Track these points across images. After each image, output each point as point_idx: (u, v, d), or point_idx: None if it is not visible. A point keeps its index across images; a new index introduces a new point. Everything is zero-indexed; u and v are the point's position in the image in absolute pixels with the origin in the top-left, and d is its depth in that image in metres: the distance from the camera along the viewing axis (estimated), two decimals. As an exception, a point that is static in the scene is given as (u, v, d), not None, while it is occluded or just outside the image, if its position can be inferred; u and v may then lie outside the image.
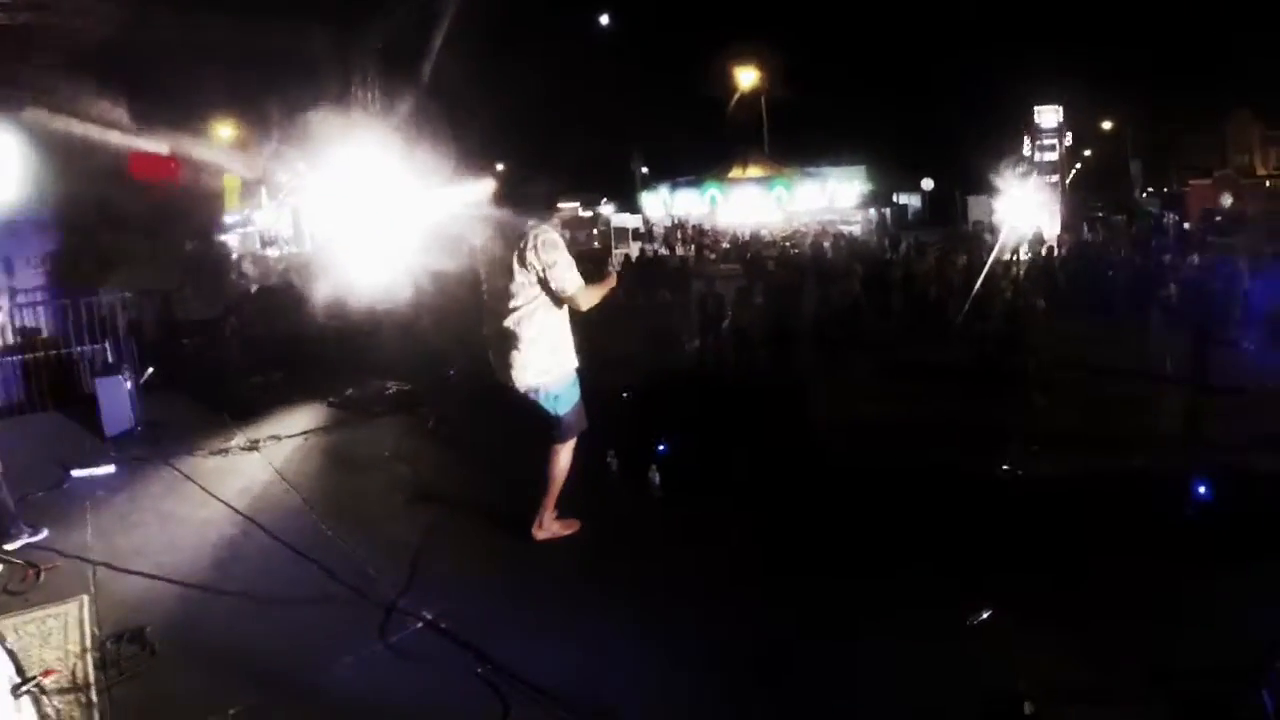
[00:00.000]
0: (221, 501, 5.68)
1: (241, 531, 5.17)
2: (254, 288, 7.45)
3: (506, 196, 4.76)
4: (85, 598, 4.32)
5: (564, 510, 4.78)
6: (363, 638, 3.79)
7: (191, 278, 12.30)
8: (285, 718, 3.31)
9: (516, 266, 4.38)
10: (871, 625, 3.75)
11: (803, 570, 4.31)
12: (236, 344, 10.46)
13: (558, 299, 4.45)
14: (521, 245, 4.35)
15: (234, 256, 15.10)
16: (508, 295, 4.45)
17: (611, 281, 4.66)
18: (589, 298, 4.51)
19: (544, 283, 4.39)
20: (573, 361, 4.64)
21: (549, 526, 4.72)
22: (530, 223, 4.42)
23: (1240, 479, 5.11)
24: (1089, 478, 5.83)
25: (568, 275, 4.40)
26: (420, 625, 3.90)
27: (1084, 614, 3.74)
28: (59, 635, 3.99)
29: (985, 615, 3.73)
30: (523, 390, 4.52)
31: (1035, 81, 36.10)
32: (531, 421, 4.62)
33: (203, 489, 5.97)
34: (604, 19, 25.50)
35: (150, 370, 8.53)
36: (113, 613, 4.17)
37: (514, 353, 4.46)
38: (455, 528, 5.07)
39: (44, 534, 5.16)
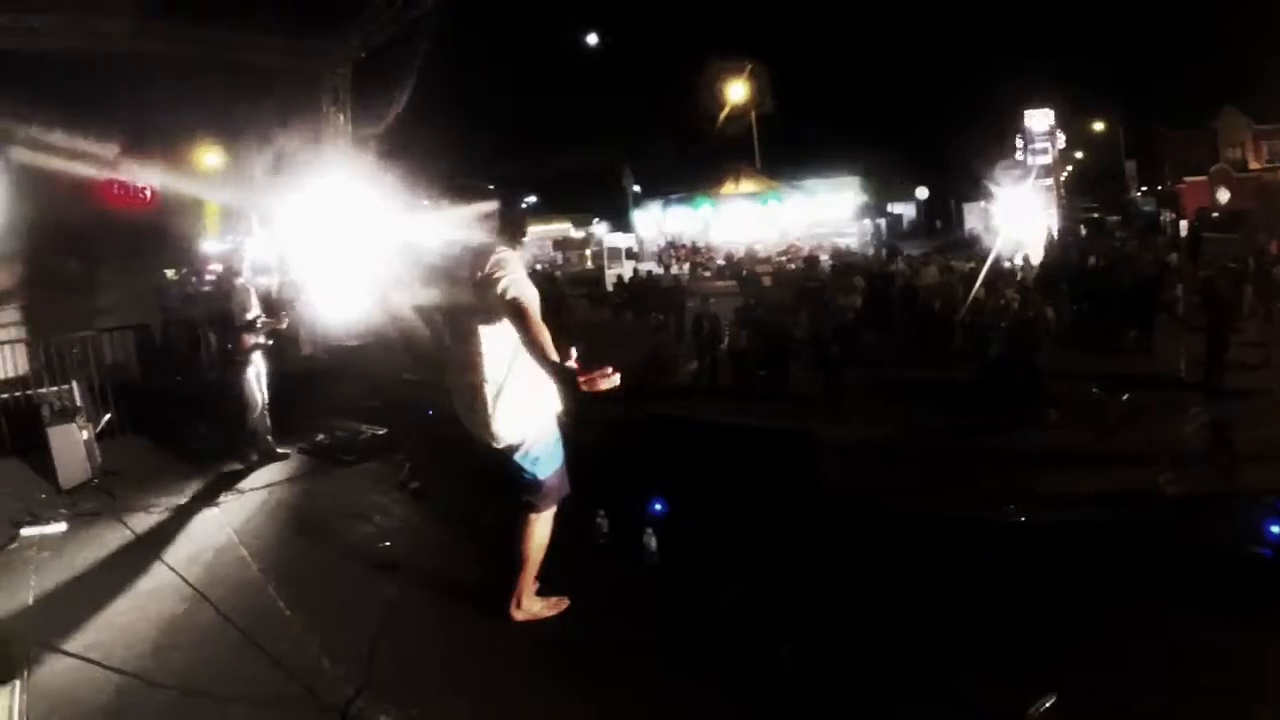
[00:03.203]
0: (171, 569, 5.18)
1: (188, 608, 4.65)
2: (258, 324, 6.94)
3: (479, 222, 3.96)
4: (17, 684, 3.83)
5: (546, 583, 4.23)
6: (308, 751, 3.28)
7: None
8: None
9: (481, 300, 3.71)
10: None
11: (824, 659, 3.71)
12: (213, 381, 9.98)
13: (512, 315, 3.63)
14: (489, 273, 3.68)
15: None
16: (473, 334, 3.80)
17: (569, 363, 3.33)
18: (534, 318, 3.55)
19: (499, 297, 3.61)
20: (554, 412, 3.99)
21: (528, 606, 4.14)
22: (498, 248, 3.77)
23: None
24: (1121, 513, 5.50)
25: (519, 283, 3.64)
26: (376, 732, 3.38)
27: (1136, 695, 3.24)
28: (-15, 727, 3.54)
29: (1048, 704, 3.18)
30: (498, 448, 3.92)
31: (1025, 85, 36.25)
32: (510, 480, 4.03)
33: (152, 553, 5.49)
34: (591, 38, 25.20)
35: (108, 416, 8.05)
36: (43, 702, 3.75)
37: (483, 403, 3.81)
38: (423, 604, 4.54)
39: None
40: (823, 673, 3.64)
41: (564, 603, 4.24)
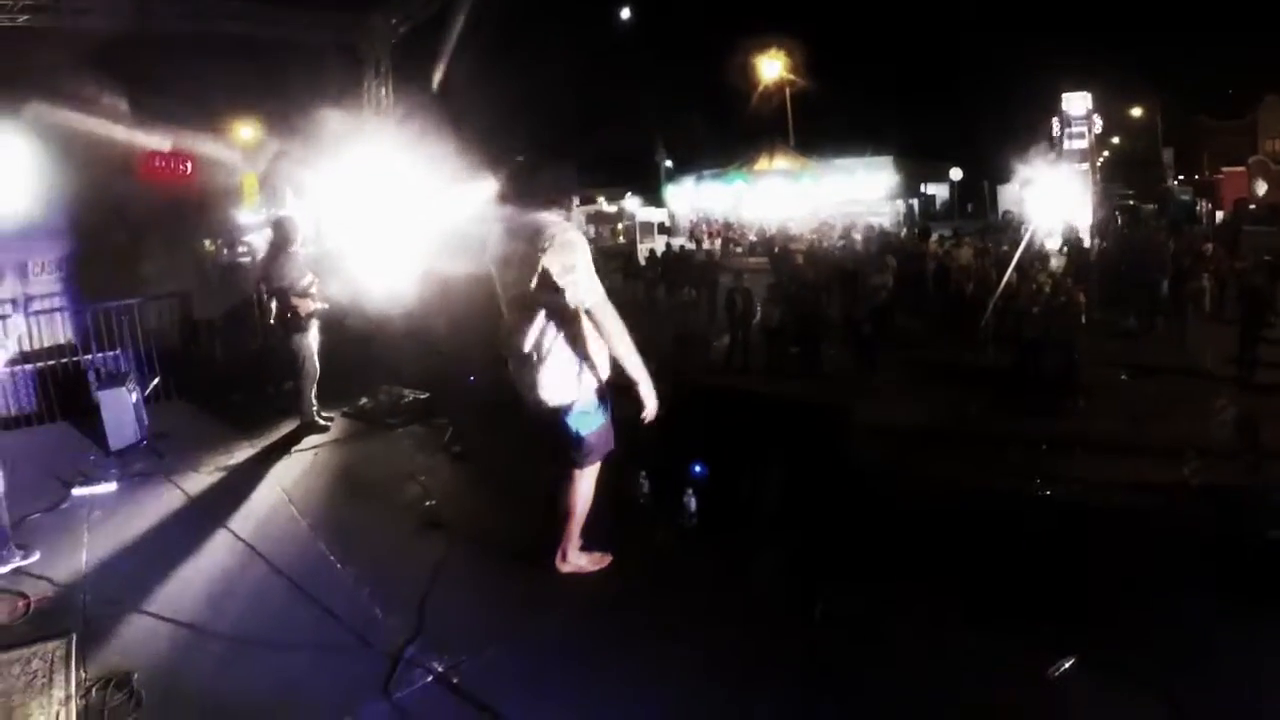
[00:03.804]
0: (222, 525, 5.31)
1: (241, 561, 4.79)
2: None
3: (514, 189, 4.20)
4: (73, 636, 3.98)
5: (590, 540, 4.34)
6: (365, 692, 3.39)
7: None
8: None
9: (534, 270, 3.79)
10: (933, 690, 3.33)
11: (853, 616, 3.85)
12: (255, 349, 10.13)
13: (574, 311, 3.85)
14: (538, 246, 3.77)
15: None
16: (526, 303, 3.90)
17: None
18: (610, 317, 3.84)
19: (559, 291, 3.75)
20: (604, 375, 4.07)
21: (574, 559, 4.26)
22: (548, 219, 3.89)
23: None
24: (1148, 499, 5.57)
25: (586, 284, 3.76)
26: (430, 679, 3.49)
27: (1155, 666, 3.32)
28: (44, 678, 3.69)
29: (1067, 665, 3.32)
30: (545, 407, 4.02)
31: (1063, 69, 35.54)
32: (555, 440, 4.14)
33: (204, 511, 5.64)
34: (625, 12, 25.10)
35: (156, 380, 8.21)
36: (100, 653, 3.85)
37: (534, 368, 3.93)
38: (471, 559, 4.65)
39: (35, 556, 4.89)
40: (851, 630, 3.75)
41: (607, 558, 4.35)
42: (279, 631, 3.95)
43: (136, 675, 3.59)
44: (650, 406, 4.00)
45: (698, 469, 5.17)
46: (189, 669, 3.72)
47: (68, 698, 3.51)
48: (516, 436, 4.62)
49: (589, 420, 4.06)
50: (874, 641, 3.68)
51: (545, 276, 3.75)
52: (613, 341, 3.87)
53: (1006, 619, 3.72)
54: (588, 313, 3.82)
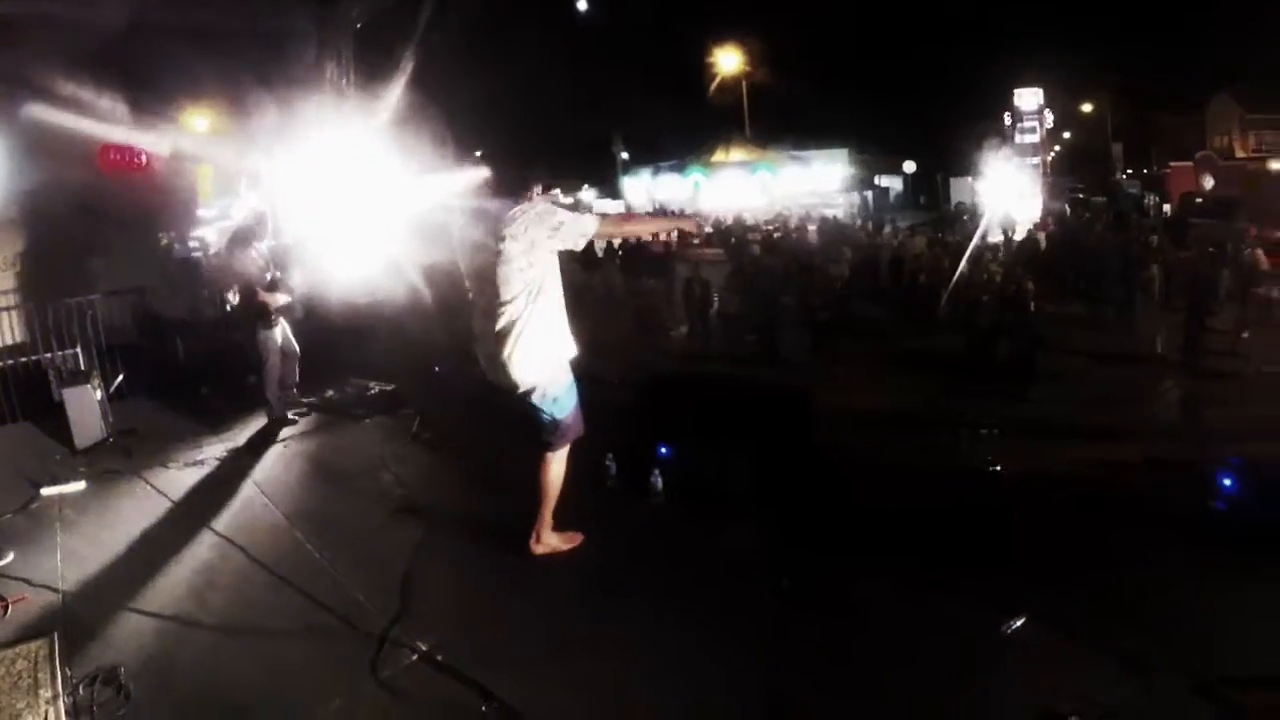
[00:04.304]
0: (196, 520, 5.35)
1: (219, 554, 4.85)
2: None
3: (501, 183, 4.38)
4: (55, 634, 4.01)
5: (562, 521, 4.50)
6: (353, 674, 3.51)
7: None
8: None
9: (508, 256, 4.02)
10: (889, 649, 3.59)
11: (817, 588, 4.08)
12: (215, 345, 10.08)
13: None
14: (513, 230, 4.01)
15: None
16: (500, 288, 4.08)
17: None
18: (604, 221, 4.44)
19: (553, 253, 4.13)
20: (572, 356, 4.31)
21: (547, 540, 4.44)
22: (520, 207, 4.09)
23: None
24: (1097, 474, 5.76)
25: (581, 221, 4.17)
26: (415, 658, 3.62)
27: (1110, 623, 3.61)
28: (29, 678, 3.70)
29: (1019, 623, 3.59)
30: (518, 391, 4.20)
31: (1016, 64, 36.26)
32: (524, 424, 4.32)
33: (177, 506, 5.68)
34: (583, 3, 25.01)
35: (120, 378, 8.17)
36: (84, 650, 3.88)
37: (509, 350, 4.11)
38: (446, 543, 4.78)
39: (9, 558, 4.89)
40: (813, 596, 4.00)
41: (579, 538, 4.55)
42: (263, 619, 4.05)
43: (123, 669, 3.63)
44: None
45: (664, 450, 5.36)
46: (176, 661, 3.78)
47: (55, 695, 3.53)
48: (484, 423, 4.77)
49: (562, 404, 4.26)
50: (842, 612, 3.88)
51: (539, 248, 4.05)
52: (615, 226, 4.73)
53: (963, 585, 3.97)
54: (594, 235, 4.24)
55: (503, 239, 4.00)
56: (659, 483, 5.08)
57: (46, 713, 3.44)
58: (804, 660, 3.54)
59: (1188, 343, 9.93)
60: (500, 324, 4.10)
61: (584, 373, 4.46)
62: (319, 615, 4.03)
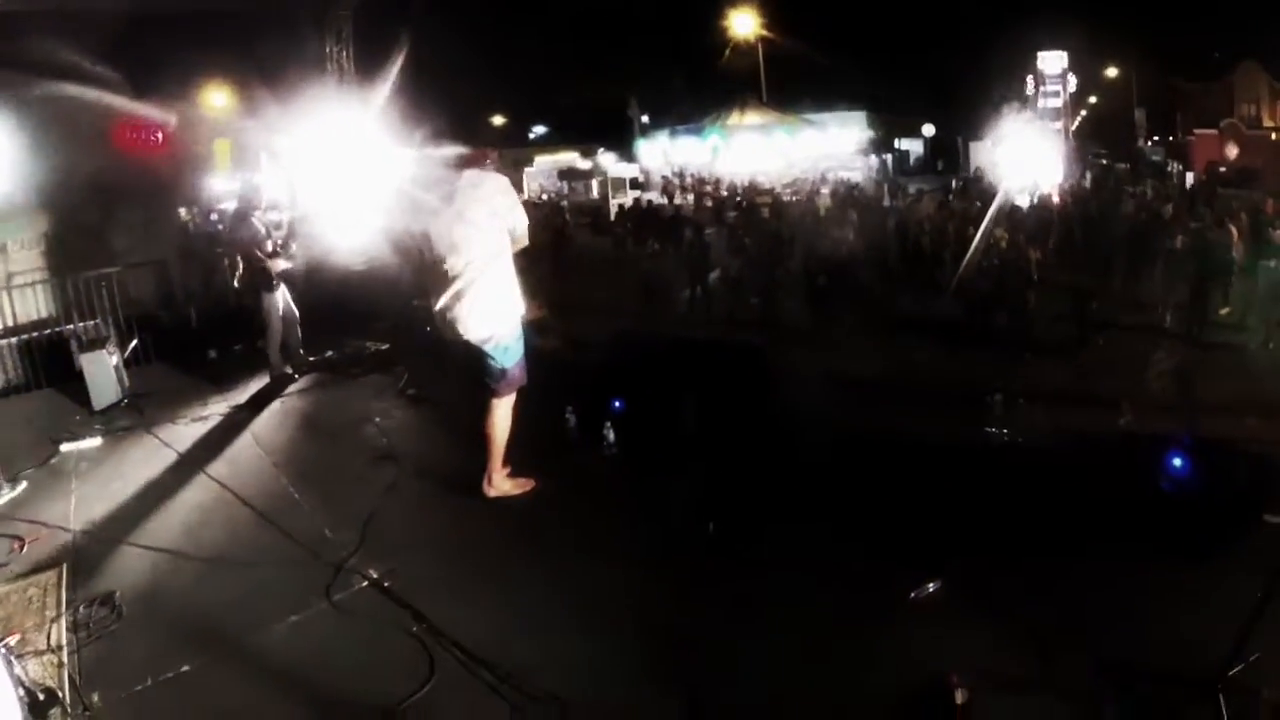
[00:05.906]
0: (196, 468, 5.87)
1: (213, 497, 5.38)
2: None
3: (461, 153, 4.85)
4: (64, 566, 4.53)
5: (519, 468, 4.94)
6: (311, 597, 4.00)
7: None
8: (227, 674, 3.50)
9: (471, 218, 4.49)
10: (804, 602, 3.80)
11: (748, 540, 4.40)
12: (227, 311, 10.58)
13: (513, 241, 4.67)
14: (478, 195, 4.50)
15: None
16: (457, 248, 4.52)
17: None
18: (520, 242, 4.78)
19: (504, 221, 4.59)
20: (520, 311, 4.77)
21: (499, 485, 4.86)
22: (486, 173, 4.57)
23: (1223, 449, 4.96)
24: (1058, 447, 5.86)
25: (522, 214, 4.69)
26: (365, 584, 4.10)
27: (1029, 598, 3.72)
28: (39, 602, 4.23)
29: (930, 589, 3.75)
30: (473, 342, 4.63)
31: (1040, 27, 35.33)
32: (478, 373, 4.76)
33: (180, 457, 6.18)
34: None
35: (135, 343, 8.70)
36: (87, 579, 4.40)
37: (467, 304, 4.56)
38: (413, 488, 5.27)
39: (23, 486, 5.66)
40: (741, 546, 4.34)
41: (530, 484, 4.97)
42: (244, 552, 4.56)
43: (118, 593, 4.16)
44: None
45: (617, 404, 5.76)
46: (166, 587, 4.30)
47: (59, 615, 4.05)
48: (468, 380, 5.17)
49: (510, 353, 4.71)
50: (761, 562, 4.19)
51: (496, 212, 4.58)
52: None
53: (890, 546, 4.22)
54: (523, 237, 4.70)
55: (466, 202, 4.47)
56: (611, 435, 5.47)
57: (50, 630, 3.94)
58: (714, 605, 3.84)
59: (1192, 314, 9.84)
60: (460, 282, 4.55)
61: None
62: (291, 548, 4.53)
